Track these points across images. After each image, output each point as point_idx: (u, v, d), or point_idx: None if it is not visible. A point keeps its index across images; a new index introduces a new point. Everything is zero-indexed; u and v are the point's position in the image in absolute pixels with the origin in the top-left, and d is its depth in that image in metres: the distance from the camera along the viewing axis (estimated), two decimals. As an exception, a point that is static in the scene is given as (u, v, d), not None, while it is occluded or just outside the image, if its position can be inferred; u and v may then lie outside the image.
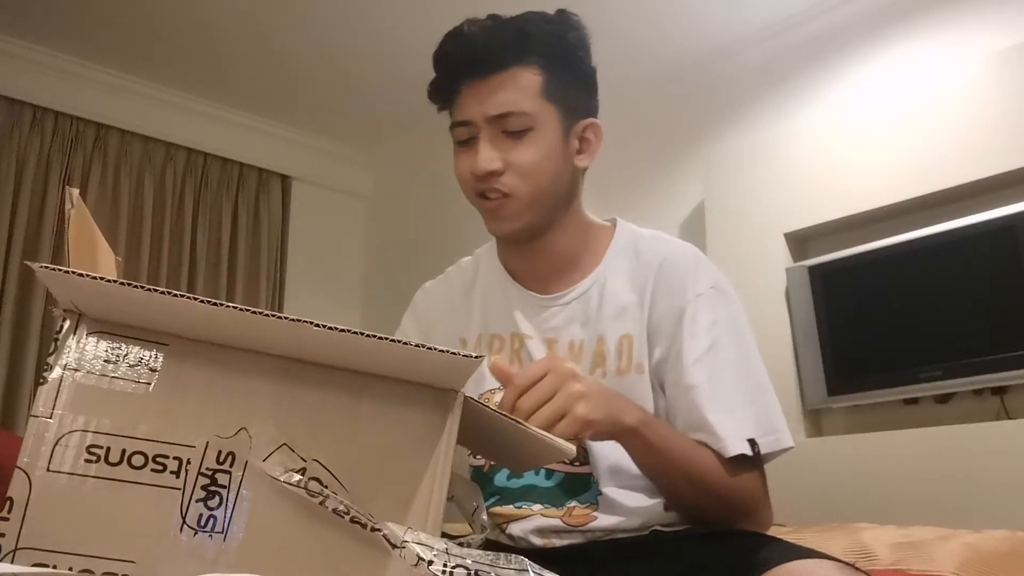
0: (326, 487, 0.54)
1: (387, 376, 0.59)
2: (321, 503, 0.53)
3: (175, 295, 0.52)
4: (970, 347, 2.15)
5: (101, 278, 0.51)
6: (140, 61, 3.19)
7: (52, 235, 3.06)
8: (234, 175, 3.63)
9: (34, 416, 0.52)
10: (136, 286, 0.51)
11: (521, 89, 1.00)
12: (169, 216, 3.39)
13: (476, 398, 0.63)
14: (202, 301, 0.52)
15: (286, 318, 0.52)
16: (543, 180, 1.02)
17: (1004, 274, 2.13)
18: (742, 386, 0.99)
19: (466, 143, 1.04)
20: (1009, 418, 2.14)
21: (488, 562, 0.53)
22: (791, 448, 1.00)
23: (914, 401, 2.33)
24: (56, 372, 0.53)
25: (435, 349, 0.56)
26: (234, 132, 3.58)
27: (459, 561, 0.52)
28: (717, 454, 0.95)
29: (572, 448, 0.68)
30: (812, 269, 2.48)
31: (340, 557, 0.54)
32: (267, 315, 0.52)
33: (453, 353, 0.56)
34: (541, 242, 1.07)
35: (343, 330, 0.53)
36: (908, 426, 2.29)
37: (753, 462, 0.97)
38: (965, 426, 2.14)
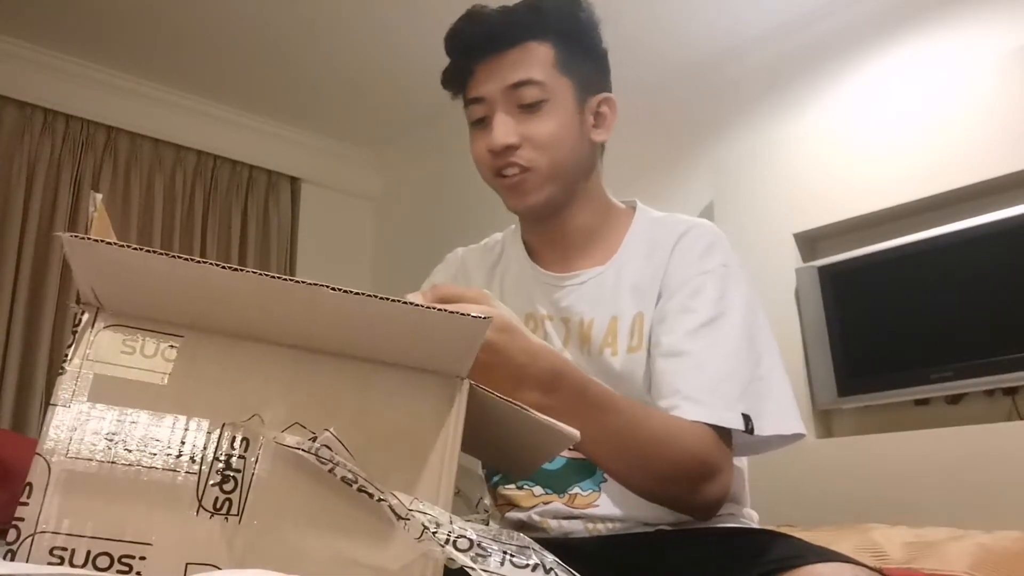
0: (336, 455, 0.55)
1: (396, 363, 0.60)
2: (331, 470, 0.54)
3: (196, 261, 0.53)
4: (981, 347, 2.15)
5: (127, 245, 0.52)
6: (150, 64, 3.21)
7: (63, 237, 3.07)
8: (243, 177, 3.65)
9: (53, 405, 0.53)
10: (159, 252, 0.53)
11: (535, 61, 1.01)
12: (179, 218, 3.41)
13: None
14: (221, 267, 0.53)
15: (303, 282, 0.54)
16: (561, 153, 1.01)
17: (1016, 274, 2.13)
18: (740, 368, 0.94)
19: (481, 122, 1.04)
20: (1020, 419, 2.13)
21: (491, 536, 0.54)
22: (800, 436, 0.95)
23: (925, 402, 2.32)
24: (75, 363, 0.54)
25: (445, 311, 0.57)
26: (243, 135, 3.61)
27: (462, 532, 0.53)
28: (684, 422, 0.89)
29: (576, 433, 0.67)
30: (822, 270, 2.48)
31: (352, 537, 0.55)
32: (284, 279, 0.54)
33: (462, 315, 0.57)
34: (561, 218, 1.07)
35: (357, 293, 0.54)
36: (919, 427, 2.28)
37: (724, 437, 0.91)
38: (976, 427, 2.13)
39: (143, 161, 3.36)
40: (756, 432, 0.91)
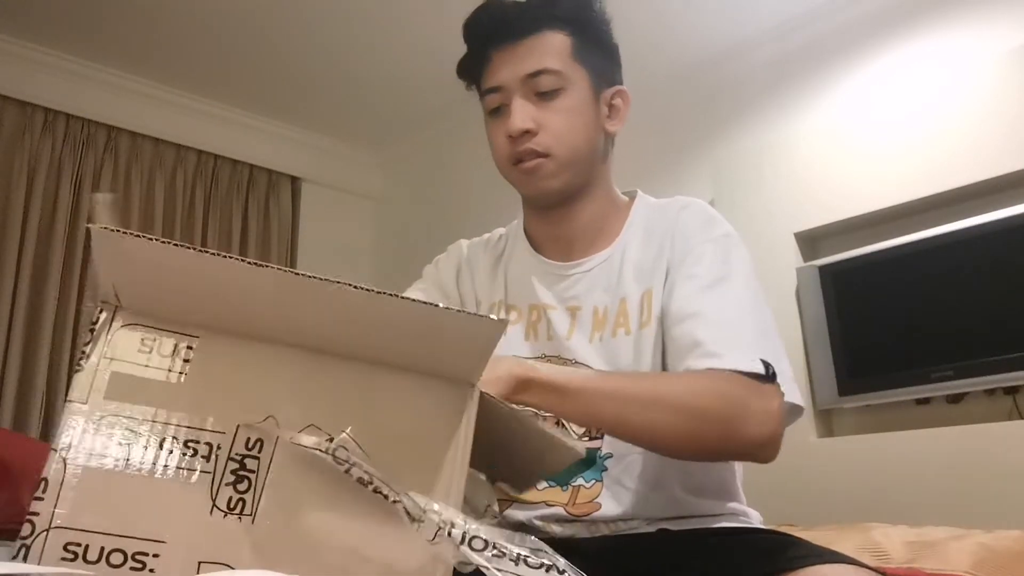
0: (352, 455, 0.55)
1: (408, 368, 0.60)
2: (347, 471, 0.54)
3: (220, 255, 0.53)
4: (982, 347, 2.15)
5: (154, 238, 0.53)
6: (150, 64, 3.21)
7: (64, 237, 3.08)
8: (244, 176, 3.65)
9: (69, 401, 0.53)
10: (185, 246, 0.53)
11: (553, 50, 1.03)
12: (180, 217, 3.41)
13: None
14: (246, 262, 0.53)
15: (327, 279, 0.54)
16: (577, 141, 1.03)
17: (1017, 273, 2.13)
18: (751, 322, 0.95)
19: (498, 111, 1.06)
20: (1021, 418, 2.14)
21: (504, 538, 0.54)
22: (801, 410, 0.94)
23: (926, 401, 2.33)
24: (92, 360, 0.54)
25: (461, 311, 0.58)
26: (244, 134, 3.61)
27: (476, 533, 0.53)
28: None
29: (582, 448, 0.68)
30: (823, 269, 2.48)
31: (366, 538, 0.55)
32: (308, 276, 0.54)
33: (479, 316, 0.58)
34: (571, 208, 1.08)
35: (380, 292, 0.55)
36: (920, 426, 2.29)
37: (747, 380, 0.88)
38: (977, 426, 2.14)
39: (144, 161, 3.36)
40: (777, 379, 0.89)
